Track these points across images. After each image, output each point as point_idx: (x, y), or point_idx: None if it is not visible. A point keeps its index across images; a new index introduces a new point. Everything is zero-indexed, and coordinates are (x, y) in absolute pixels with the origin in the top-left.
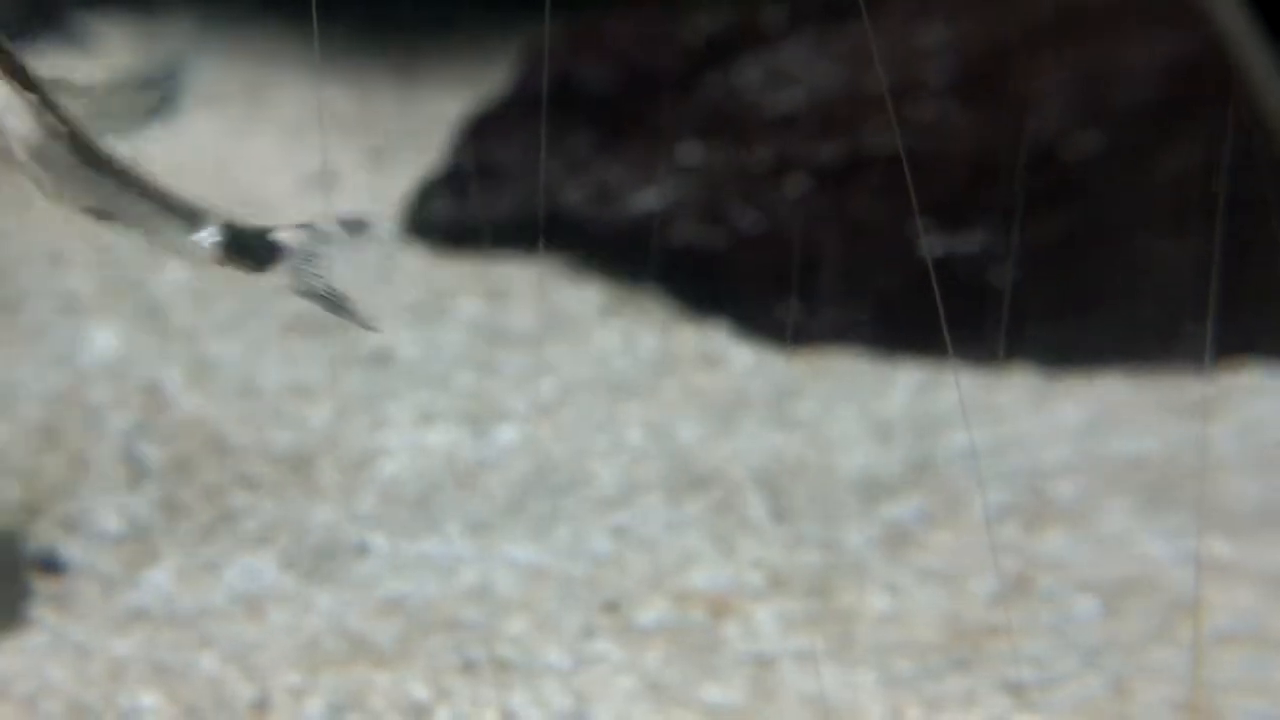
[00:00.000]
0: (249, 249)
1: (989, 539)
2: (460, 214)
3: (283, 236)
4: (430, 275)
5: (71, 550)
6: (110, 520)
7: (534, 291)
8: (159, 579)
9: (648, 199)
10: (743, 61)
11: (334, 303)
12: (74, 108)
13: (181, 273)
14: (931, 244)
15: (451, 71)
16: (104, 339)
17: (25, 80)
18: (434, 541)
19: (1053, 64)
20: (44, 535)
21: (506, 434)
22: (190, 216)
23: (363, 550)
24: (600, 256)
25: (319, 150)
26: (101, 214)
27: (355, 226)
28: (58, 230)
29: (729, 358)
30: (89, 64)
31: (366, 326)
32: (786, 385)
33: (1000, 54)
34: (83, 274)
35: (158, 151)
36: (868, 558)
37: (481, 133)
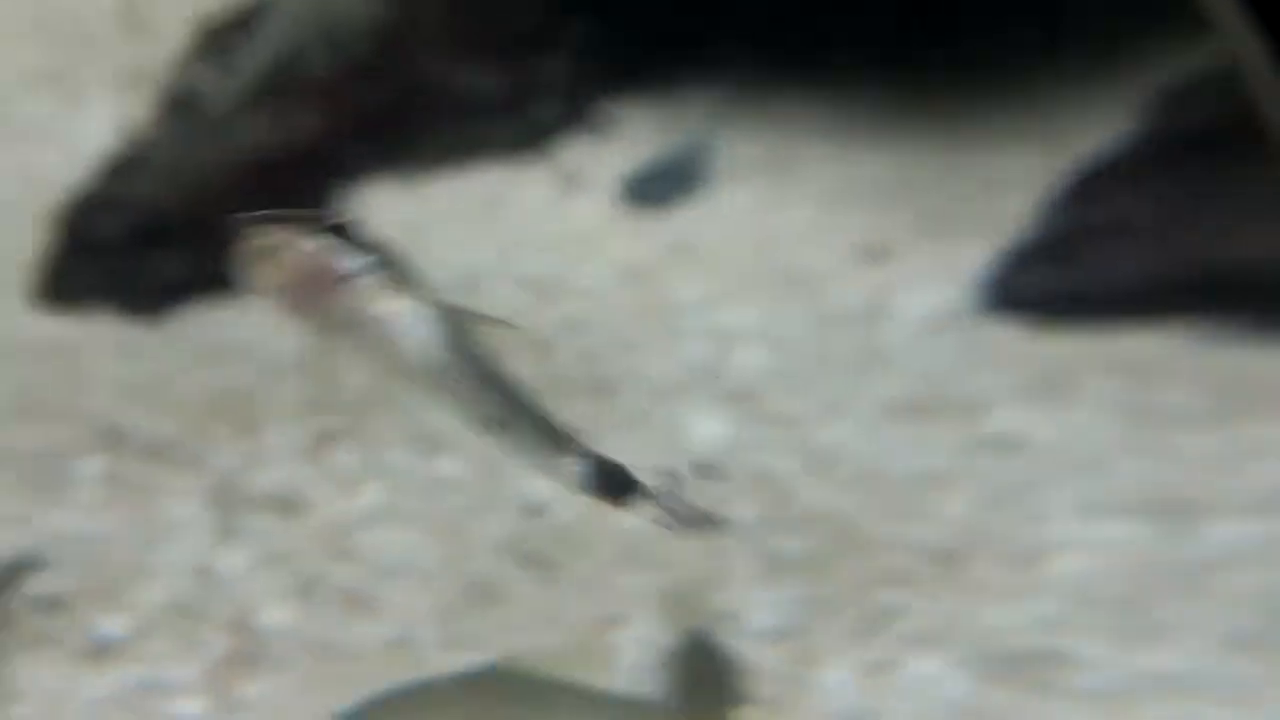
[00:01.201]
0: (611, 482)
1: None
2: (1063, 282)
3: (641, 475)
4: (1035, 352)
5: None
6: (763, 616)
7: (1192, 362)
8: (835, 680)
9: None
10: None
11: (701, 528)
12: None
13: (762, 357)
14: None
15: (997, 130)
16: (707, 426)
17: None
18: (1170, 655)
19: None
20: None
21: (1224, 531)
22: (563, 442)
23: (1061, 658)
24: None
25: (861, 220)
26: (484, 422)
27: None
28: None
29: None
30: (610, 150)
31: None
32: None
33: None
34: (662, 358)
35: (691, 229)
36: None
37: (1093, 189)
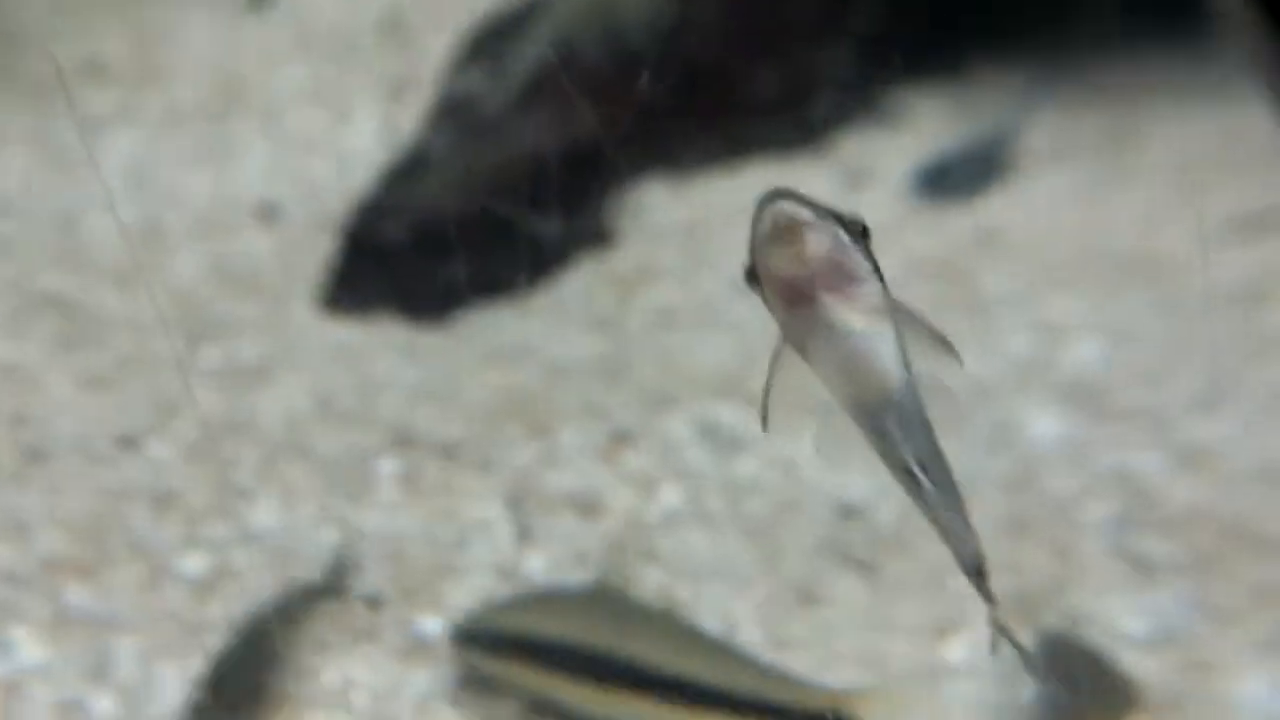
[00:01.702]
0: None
1: None
2: None
3: None
4: None
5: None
6: (1133, 622)
7: None
8: (1251, 692)
9: None
10: None
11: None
12: None
13: (1102, 349)
14: None
15: None
16: (1044, 423)
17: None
18: None
19: None
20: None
21: None
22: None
23: None
24: None
25: (1220, 194)
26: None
27: None
28: None
29: None
30: (899, 142)
31: None
32: None
33: None
34: (979, 355)
35: (998, 219)
36: None
37: None
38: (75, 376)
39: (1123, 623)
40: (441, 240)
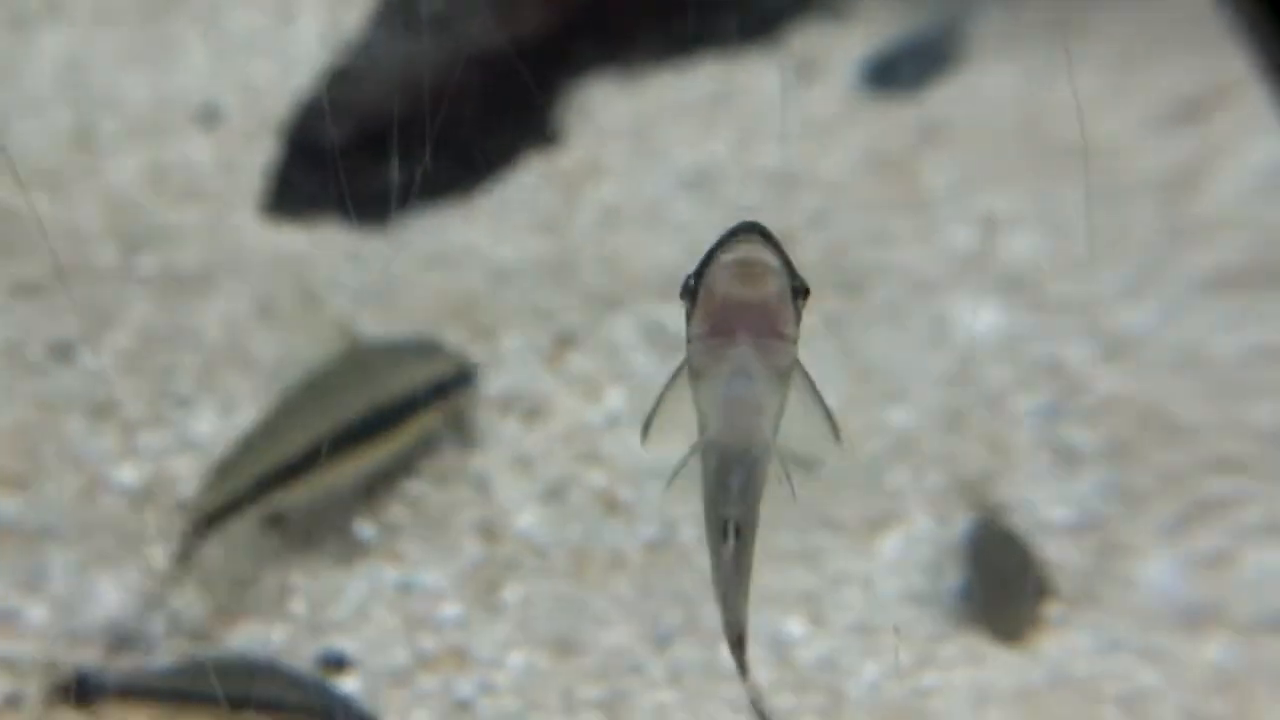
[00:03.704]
0: None
1: None
2: None
3: None
4: None
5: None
6: (1054, 509)
7: None
8: (1155, 574)
9: None
10: None
11: None
12: None
13: (1038, 241)
14: None
15: None
16: (981, 317)
17: None
18: None
19: None
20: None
21: None
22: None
23: None
24: None
25: (1165, 80)
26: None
27: None
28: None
29: None
30: (848, 34)
31: None
32: None
33: None
34: (920, 250)
35: (944, 111)
36: None
37: None
38: (7, 284)
39: (1046, 510)
40: (384, 142)
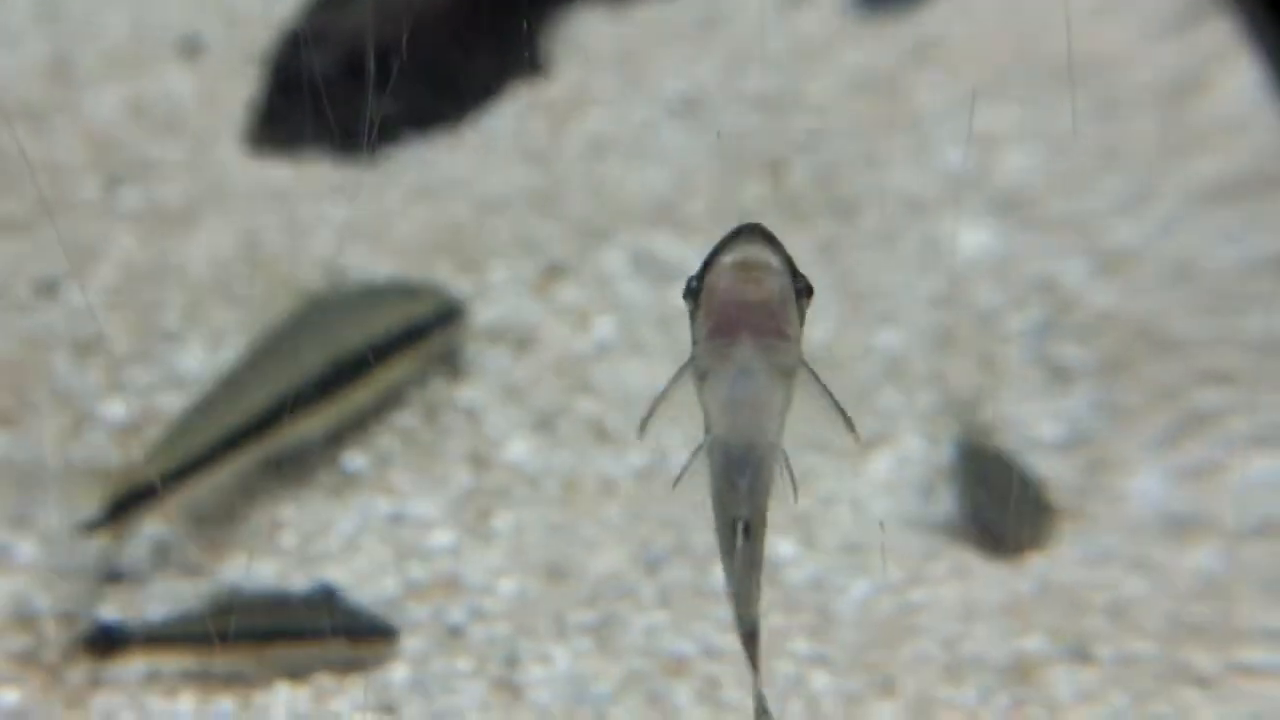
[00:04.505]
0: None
1: None
2: None
3: None
4: None
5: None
6: (1046, 427)
7: None
8: (1144, 487)
9: None
10: None
11: None
12: None
13: (1034, 157)
14: None
15: None
16: (974, 236)
17: None
18: None
19: None
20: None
21: None
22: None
23: None
24: None
25: None
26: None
27: None
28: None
29: None
30: None
31: None
32: None
33: None
34: (912, 171)
35: (935, 30)
36: None
37: None
38: None
39: (1038, 428)
40: (370, 73)
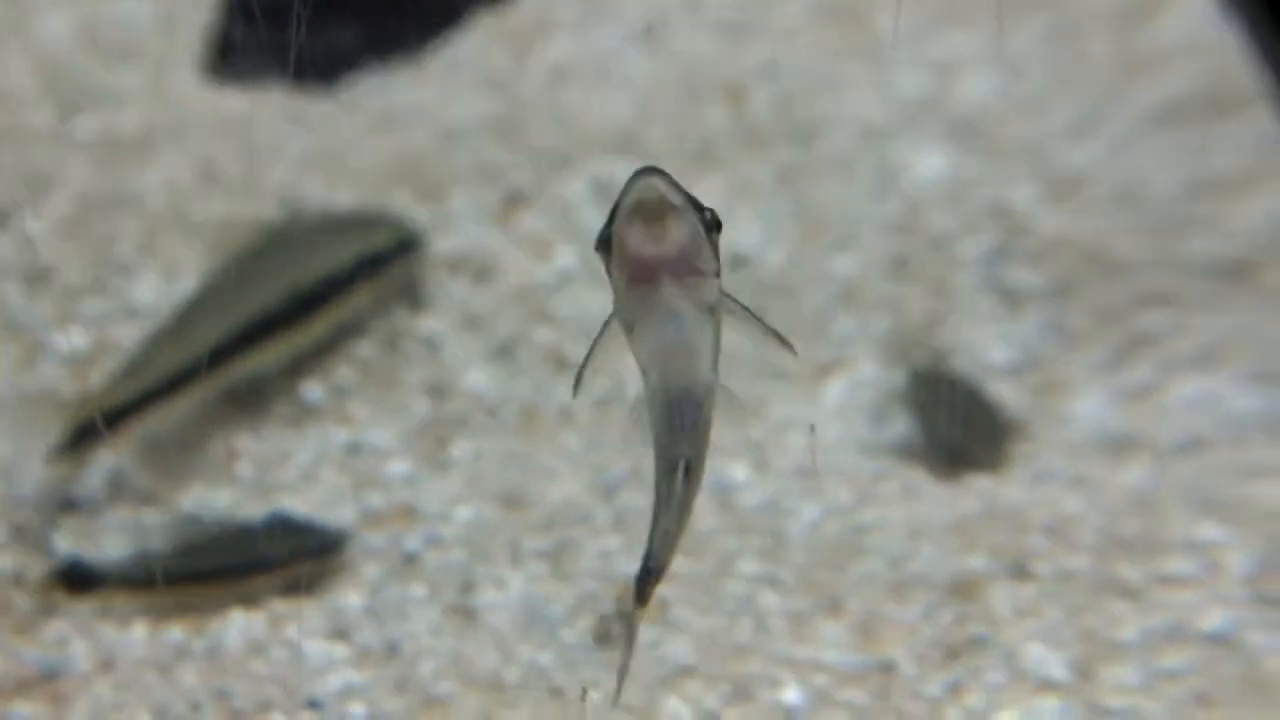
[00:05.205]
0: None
1: None
2: None
3: None
4: None
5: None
6: (997, 351)
7: None
8: (1087, 408)
9: None
10: None
11: None
12: None
13: (990, 82)
14: None
15: None
16: (929, 162)
17: None
18: None
19: None
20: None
21: None
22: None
23: None
24: None
25: None
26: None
27: None
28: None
29: None
30: None
31: None
32: None
33: None
34: (871, 97)
35: None
36: None
37: None
38: None
39: (989, 352)
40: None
